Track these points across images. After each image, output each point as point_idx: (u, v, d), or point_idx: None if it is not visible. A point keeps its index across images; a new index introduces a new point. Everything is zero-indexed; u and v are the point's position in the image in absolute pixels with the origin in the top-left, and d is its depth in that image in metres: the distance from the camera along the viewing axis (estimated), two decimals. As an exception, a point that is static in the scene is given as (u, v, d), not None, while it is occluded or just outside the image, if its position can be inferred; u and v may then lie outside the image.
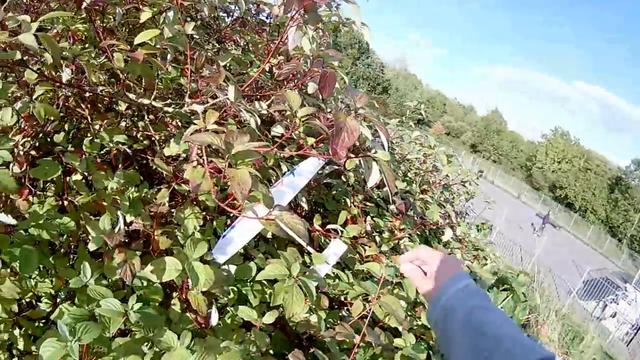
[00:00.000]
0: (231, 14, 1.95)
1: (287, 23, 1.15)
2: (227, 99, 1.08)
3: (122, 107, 1.65)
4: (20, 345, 1.37)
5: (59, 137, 1.51)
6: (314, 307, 1.54)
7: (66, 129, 1.73)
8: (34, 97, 1.37)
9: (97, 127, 1.65)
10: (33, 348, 1.38)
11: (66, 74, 1.34)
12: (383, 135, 1.01)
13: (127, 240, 1.49)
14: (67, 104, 1.69)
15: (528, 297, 5.64)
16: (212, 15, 1.98)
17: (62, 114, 1.67)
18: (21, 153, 1.47)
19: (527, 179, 50.95)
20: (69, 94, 1.58)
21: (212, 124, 1.05)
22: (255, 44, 1.91)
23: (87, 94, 1.54)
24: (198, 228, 1.48)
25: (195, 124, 1.06)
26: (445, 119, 60.08)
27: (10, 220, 1.26)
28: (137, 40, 1.24)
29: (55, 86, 1.38)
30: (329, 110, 2.09)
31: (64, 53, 1.29)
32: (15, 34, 1.04)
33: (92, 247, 1.23)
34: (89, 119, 1.68)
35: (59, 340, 1.02)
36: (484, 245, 4.52)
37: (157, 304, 1.40)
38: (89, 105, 1.67)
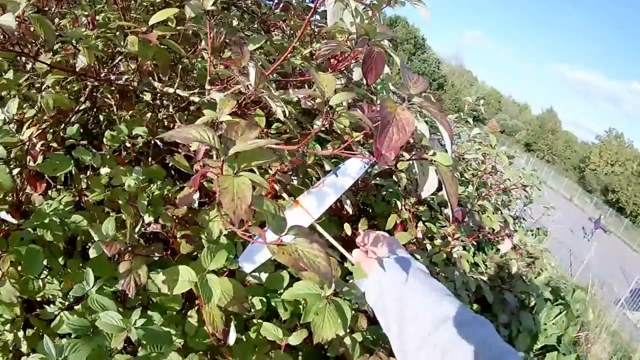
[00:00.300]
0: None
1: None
2: (249, 85, 0.83)
3: (148, 96, 1.45)
4: (24, 347, 1.22)
5: (71, 130, 1.33)
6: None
7: (98, 119, 1.58)
8: (44, 86, 1.21)
9: (122, 117, 1.48)
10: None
11: (80, 61, 1.17)
12: (445, 133, 0.73)
13: (146, 244, 1.31)
14: (95, 93, 1.52)
15: (581, 313, 5.09)
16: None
17: (87, 104, 1.51)
18: (37, 146, 1.33)
19: (579, 180, 48.45)
20: (95, 83, 1.40)
21: (226, 114, 0.81)
22: (297, 28, 1.65)
23: (114, 84, 1.35)
24: (225, 232, 1.25)
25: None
26: (500, 116, 57.96)
27: (9, 218, 1.11)
28: (153, 19, 1.01)
29: (68, 75, 1.21)
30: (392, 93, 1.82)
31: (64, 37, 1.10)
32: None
33: (92, 253, 1.04)
34: (115, 109, 1.51)
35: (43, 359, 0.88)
36: (539, 253, 4.08)
37: (174, 313, 1.22)
38: (117, 95, 1.49)
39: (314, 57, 1.35)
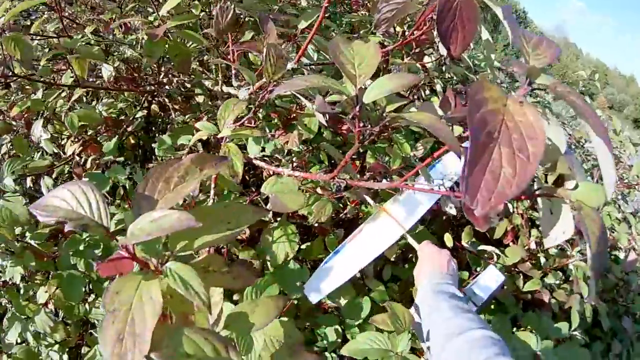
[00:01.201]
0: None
1: None
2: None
3: (200, 98, 1.20)
4: None
5: (108, 146, 1.15)
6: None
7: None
8: (70, 102, 1.06)
9: (177, 123, 1.26)
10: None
11: (106, 72, 1.01)
12: (604, 148, 0.33)
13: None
14: (154, 100, 1.32)
15: None
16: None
17: (143, 114, 1.32)
18: (88, 163, 1.18)
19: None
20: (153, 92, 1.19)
21: (229, 125, 0.50)
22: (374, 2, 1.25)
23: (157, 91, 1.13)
24: (291, 255, 0.96)
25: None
26: (607, 91, 51.22)
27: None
28: (164, 8, 0.73)
29: (96, 87, 1.02)
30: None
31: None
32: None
33: None
34: (173, 115, 1.29)
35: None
36: None
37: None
38: (166, 100, 1.26)
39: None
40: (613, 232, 1.72)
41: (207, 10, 0.99)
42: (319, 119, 0.60)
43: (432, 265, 0.82)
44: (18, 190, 0.88)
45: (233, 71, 0.75)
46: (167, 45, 0.85)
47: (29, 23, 1.40)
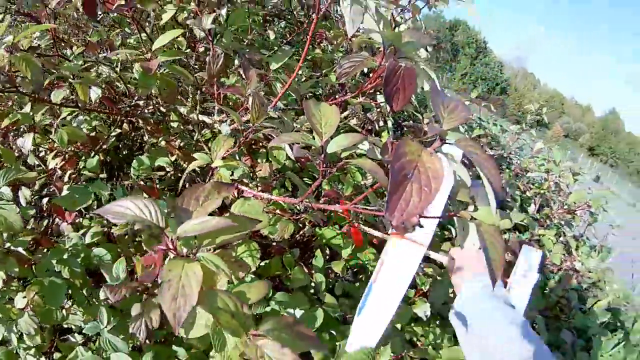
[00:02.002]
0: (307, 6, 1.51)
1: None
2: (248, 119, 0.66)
3: (174, 124, 1.33)
4: None
5: (91, 162, 1.25)
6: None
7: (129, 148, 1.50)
8: (58, 119, 1.14)
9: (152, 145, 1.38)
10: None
11: (94, 93, 1.09)
12: (489, 186, 0.51)
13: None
14: (126, 120, 1.43)
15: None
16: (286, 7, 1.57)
17: (117, 133, 1.42)
18: (65, 176, 1.26)
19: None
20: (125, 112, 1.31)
21: (221, 157, 0.65)
22: (338, 37, 1.45)
23: (132, 113, 1.25)
24: (253, 269, 1.08)
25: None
26: (563, 120, 54.27)
27: (24, 253, 1.06)
28: (156, 44, 0.87)
29: (83, 108, 1.12)
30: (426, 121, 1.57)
31: (61, 71, 1.01)
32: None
33: (101, 296, 0.93)
34: (145, 137, 1.41)
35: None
36: (601, 274, 3.57)
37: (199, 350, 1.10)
38: (141, 122, 1.38)
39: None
40: (550, 253, 1.97)
41: (192, 45, 1.13)
42: (287, 152, 0.75)
43: (473, 267, 0.83)
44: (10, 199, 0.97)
45: (216, 107, 0.90)
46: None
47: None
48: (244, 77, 0.77)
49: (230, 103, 1.09)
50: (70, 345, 1.21)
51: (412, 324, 1.28)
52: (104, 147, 1.41)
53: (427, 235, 0.84)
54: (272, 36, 1.47)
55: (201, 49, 1.06)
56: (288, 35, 1.62)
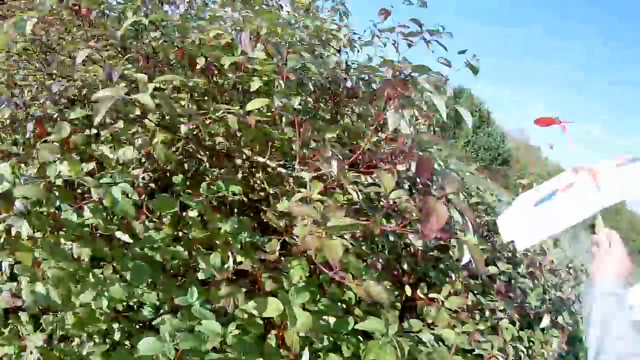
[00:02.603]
0: (341, 83, 1.98)
1: (384, 105, 1.22)
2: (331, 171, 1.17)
3: (239, 160, 1.76)
4: (117, 336, 1.51)
5: (177, 179, 1.63)
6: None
7: (186, 168, 1.85)
8: (154, 140, 1.45)
9: (215, 173, 1.76)
10: (126, 342, 1.52)
11: (184, 128, 1.43)
12: (469, 221, 1.02)
13: (234, 278, 1.57)
14: (187, 147, 1.77)
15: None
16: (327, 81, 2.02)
17: (181, 157, 1.76)
18: (140, 184, 1.59)
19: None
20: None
21: (316, 193, 1.15)
22: (364, 117, 2.01)
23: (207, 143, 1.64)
24: (303, 279, 1.52)
25: (300, 191, 1.17)
26: (565, 195, 54.26)
27: (126, 238, 1.40)
28: (249, 107, 1.34)
29: (175, 135, 1.48)
30: (434, 188, 2.08)
31: (179, 111, 1.41)
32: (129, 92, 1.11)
33: (201, 276, 1.37)
34: (207, 165, 1.80)
35: (158, 340, 1.12)
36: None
37: (255, 335, 1.43)
38: (207, 153, 1.77)
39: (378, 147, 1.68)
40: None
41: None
42: (353, 196, 1.27)
43: (620, 266, 0.90)
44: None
45: (296, 163, 1.40)
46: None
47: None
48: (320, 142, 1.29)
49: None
50: (141, 316, 1.50)
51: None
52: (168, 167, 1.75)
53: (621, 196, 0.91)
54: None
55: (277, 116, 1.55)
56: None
